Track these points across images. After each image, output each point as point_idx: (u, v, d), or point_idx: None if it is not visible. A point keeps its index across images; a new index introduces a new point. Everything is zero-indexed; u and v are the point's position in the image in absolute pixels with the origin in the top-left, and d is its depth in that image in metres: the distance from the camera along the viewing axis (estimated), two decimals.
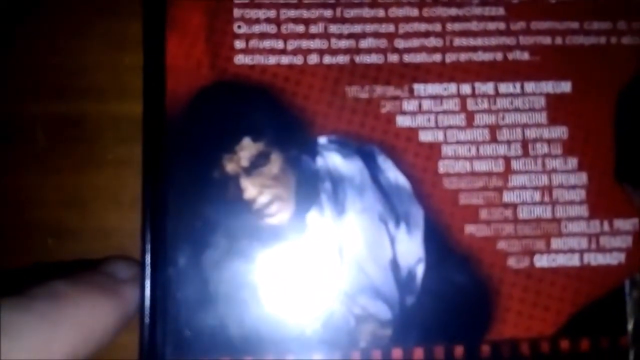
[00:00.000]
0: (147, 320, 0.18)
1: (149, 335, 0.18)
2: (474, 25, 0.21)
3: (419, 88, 0.21)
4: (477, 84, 0.21)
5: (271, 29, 0.20)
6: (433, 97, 0.21)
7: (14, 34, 0.22)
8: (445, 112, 0.21)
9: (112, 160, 0.22)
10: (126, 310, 0.18)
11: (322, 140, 0.20)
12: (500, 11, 0.21)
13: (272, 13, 0.20)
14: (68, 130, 0.22)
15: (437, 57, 0.21)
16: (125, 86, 0.22)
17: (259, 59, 0.20)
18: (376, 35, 0.21)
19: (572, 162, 0.21)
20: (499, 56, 0.21)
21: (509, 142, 0.21)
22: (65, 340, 0.16)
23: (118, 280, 0.18)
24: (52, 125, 0.22)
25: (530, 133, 0.21)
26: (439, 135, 0.20)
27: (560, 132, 0.21)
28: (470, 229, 0.20)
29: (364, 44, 0.21)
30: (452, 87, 0.21)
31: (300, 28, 0.20)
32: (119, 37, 0.22)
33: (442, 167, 0.20)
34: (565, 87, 0.21)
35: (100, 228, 0.22)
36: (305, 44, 0.20)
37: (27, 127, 0.22)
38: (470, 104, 0.21)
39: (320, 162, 0.20)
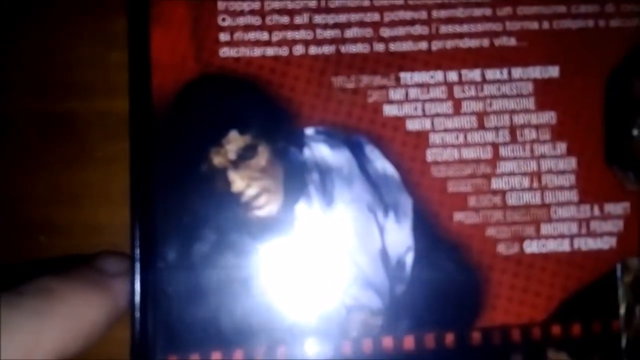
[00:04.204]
0: (137, 314, 0.19)
1: (140, 330, 0.19)
2: (459, 12, 0.21)
3: (406, 76, 0.20)
4: (464, 71, 0.21)
5: (256, 20, 0.20)
6: (420, 86, 0.20)
7: (0, 33, 0.22)
8: (432, 100, 0.20)
9: (101, 157, 0.22)
10: (116, 304, 0.18)
11: (309, 131, 0.20)
12: None
13: (256, 5, 0.20)
14: (56, 128, 0.22)
15: (423, 45, 0.21)
16: (112, 83, 0.22)
17: (244, 51, 0.20)
18: (361, 24, 0.21)
19: (561, 147, 0.21)
20: (485, 42, 0.21)
21: (496, 129, 0.20)
22: (55, 334, 0.16)
23: (108, 274, 0.19)
24: (40, 123, 0.22)
25: (518, 119, 0.21)
26: (427, 124, 0.20)
27: (548, 117, 0.21)
28: (459, 216, 0.20)
29: (350, 33, 0.21)
30: (438, 75, 0.21)
31: (285, 19, 0.20)
32: (105, 34, 0.22)
33: (430, 155, 0.20)
34: (553, 71, 0.21)
35: (90, 224, 0.22)
36: (290, 35, 0.20)
37: (15, 125, 0.22)
38: (457, 92, 0.21)
39: (307, 153, 0.20)
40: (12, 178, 0.22)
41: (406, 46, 0.21)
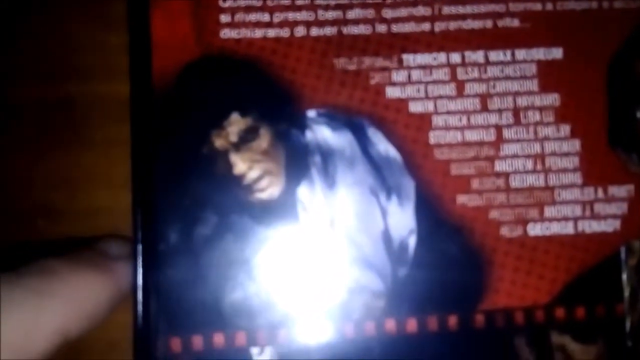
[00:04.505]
0: (139, 297, 0.18)
1: (142, 313, 0.18)
2: None
3: (408, 58, 0.20)
4: (467, 53, 0.20)
5: (257, 1, 0.20)
6: (422, 67, 0.20)
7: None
8: (435, 82, 0.20)
9: (102, 141, 0.22)
10: (119, 286, 0.18)
11: (311, 113, 0.20)
12: None
13: None
14: (57, 112, 0.22)
15: (426, 27, 0.20)
16: (112, 66, 0.22)
17: (245, 33, 0.20)
18: (363, 5, 0.20)
19: (565, 129, 0.20)
20: (488, 24, 0.21)
21: (500, 111, 0.20)
22: (55, 315, 0.16)
23: (110, 257, 0.18)
24: (41, 108, 0.22)
25: (522, 101, 0.20)
26: (429, 106, 0.20)
27: (552, 99, 0.20)
28: (462, 199, 0.20)
29: (351, 14, 0.20)
30: (441, 57, 0.20)
31: (286, 0, 0.20)
32: (105, 17, 0.22)
33: (433, 137, 0.20)
34: (557, 53, 0.21)
35: (92, 208, 0.22)
36: (291, 16, 0.20)
37: (15, 109, 0.22)
38: (461, 73, 0.20)
39: (309, 135, 0.20)
40: (13, 162, 0.22)
41: (409, 27, 0.20)
